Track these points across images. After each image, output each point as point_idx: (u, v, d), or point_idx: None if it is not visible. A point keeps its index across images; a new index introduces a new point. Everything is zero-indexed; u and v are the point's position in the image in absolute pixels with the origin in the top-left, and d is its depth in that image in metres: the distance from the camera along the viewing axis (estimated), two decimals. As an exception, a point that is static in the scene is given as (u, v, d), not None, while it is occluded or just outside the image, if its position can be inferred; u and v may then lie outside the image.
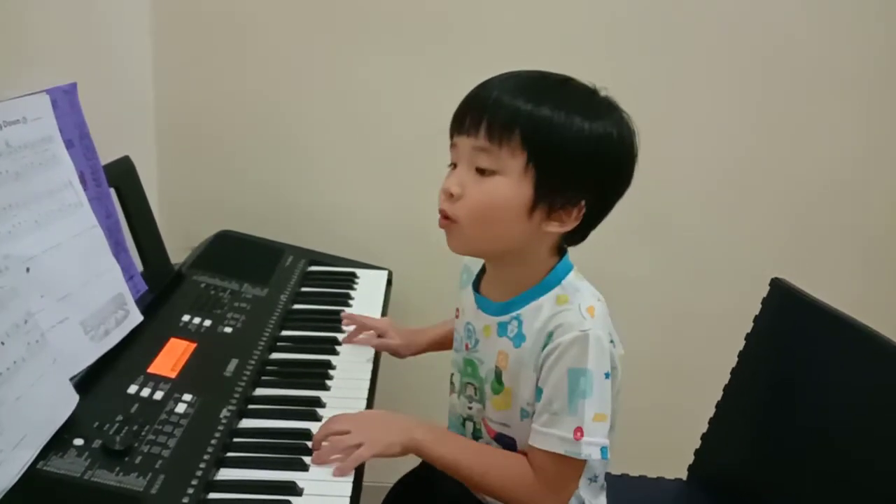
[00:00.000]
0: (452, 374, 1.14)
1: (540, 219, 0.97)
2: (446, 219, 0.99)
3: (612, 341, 0.98)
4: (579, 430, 0.94)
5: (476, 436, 1.10)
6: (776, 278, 1.24)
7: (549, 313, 0.98)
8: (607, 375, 0.96)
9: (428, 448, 0.99)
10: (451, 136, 1.00)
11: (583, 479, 1.04)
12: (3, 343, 0.82)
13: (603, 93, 1.00)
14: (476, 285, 1.09)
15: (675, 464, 1.37)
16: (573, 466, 0.98)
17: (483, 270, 1.10)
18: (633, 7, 1.61)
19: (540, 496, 0.98)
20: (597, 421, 0.94)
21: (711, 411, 1.32)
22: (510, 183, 0.95)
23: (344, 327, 1.32)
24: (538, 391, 0.98)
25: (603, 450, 0.95)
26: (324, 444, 0.97)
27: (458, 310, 1.14)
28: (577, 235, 1.02)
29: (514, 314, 1.02)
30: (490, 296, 1.06)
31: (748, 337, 1.26)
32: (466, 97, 0.99)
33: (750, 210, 1.74)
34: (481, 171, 0.96)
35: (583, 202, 0.97)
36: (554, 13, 1.60)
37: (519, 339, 1.01)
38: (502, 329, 1.03)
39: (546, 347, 0.97)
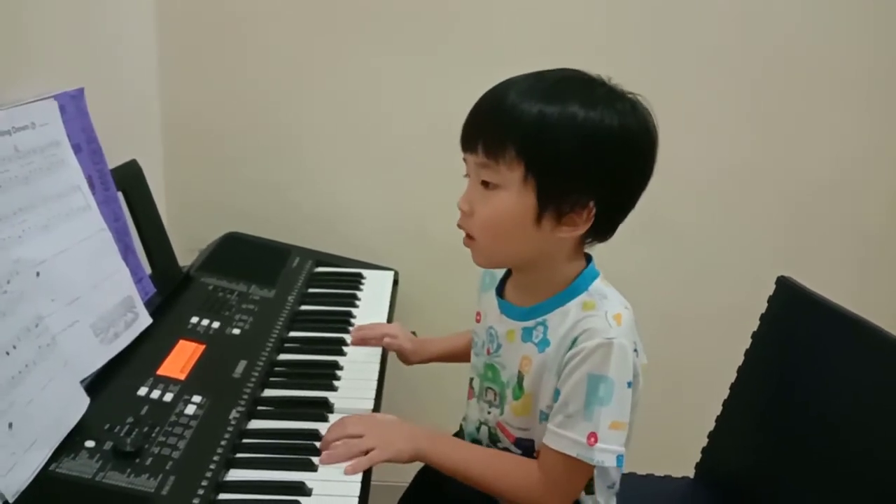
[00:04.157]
0: (472, 379, 1.14)
1: (550, 226, 0.96)
2: (467, 237, 1.01)
3: (635, 350, 0.97)
4: (593, 436, 0.93)
5: (493, 440, 1.10)
6: (782, 276, 1.23)
7: (574, 318, 0.98)
8: (629, 385, 0.95)
9: (433, 456, 1.00)
10: (462, 151, 1.00)
11: (602, 486, 1.04)
12: (14, 347, 0.82)
13: (610, 83, 0.97)
14: (500, 290, 1.09)
15: (682, 462, 1.37)
16: (583, 471, 0.97)
17: (506, 275, 1.10)
18: (633, 5, 1.61)
19: (544, 496, 0.98)
20: (613, 429, 0.94)
21: (718, 409, 1.32)
22: (512, 195, 0.95)
23: (353, 346, 1.28)
24: (556, 392, 0.98)
25: (619, 458, 0.95)
26: (337, 442, 0.97)
27: (478, 313, 1.14)
28: (602, 232, 1.00)
29: (539, 319, 1.01)
30: (514, 301, 1.06)
31: (754, 335, 1.26)
32: (469, 113, 0.99)
33: (751, 207, 1.74)
34: (486, 185, 0.97)
35: (591, 203, 0.95)
36: (555, 11, 1.61)
37: (543, 343, 1.00)
38: (527, 334, 1.03)
39: (570, 351, 0.96)
